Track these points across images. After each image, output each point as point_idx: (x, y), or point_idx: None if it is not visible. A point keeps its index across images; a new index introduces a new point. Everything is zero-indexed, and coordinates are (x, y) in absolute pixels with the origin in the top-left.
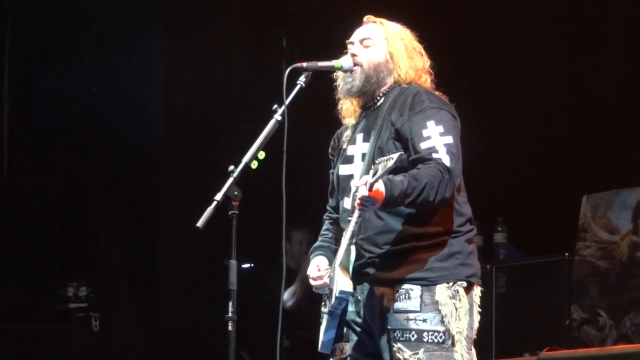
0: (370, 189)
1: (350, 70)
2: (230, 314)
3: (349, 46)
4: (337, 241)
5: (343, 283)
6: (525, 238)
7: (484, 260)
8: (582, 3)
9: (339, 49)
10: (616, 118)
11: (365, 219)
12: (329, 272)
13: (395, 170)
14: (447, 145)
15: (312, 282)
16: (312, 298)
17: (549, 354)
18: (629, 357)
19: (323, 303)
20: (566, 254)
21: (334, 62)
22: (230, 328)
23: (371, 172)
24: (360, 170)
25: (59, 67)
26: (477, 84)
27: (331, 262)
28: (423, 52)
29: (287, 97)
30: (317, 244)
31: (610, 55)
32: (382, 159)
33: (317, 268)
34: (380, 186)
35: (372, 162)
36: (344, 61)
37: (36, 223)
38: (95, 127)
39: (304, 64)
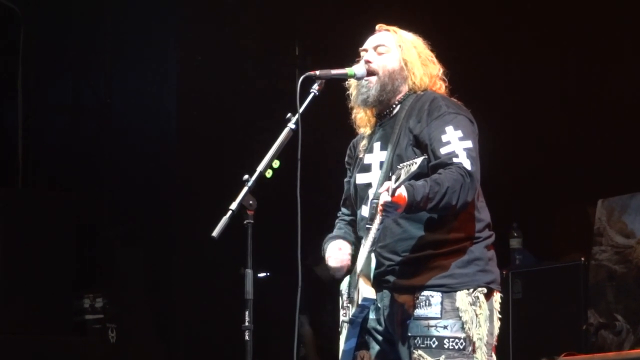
0: (393, 195)
1: (365, 79)
2: (246, 324)
3: (362, 53)
4: (352, 234)
5: (366, 290)
6: (540, 243)
7: (499, 266)
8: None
9: (352, 57)
10: (631, 122)
11: (385, 225)
12: (350, 258)
13: (416, 176)
14: (466, 149)
15: (330, 262)
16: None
17: (566, 359)
18: None
19: (343, 312)
20: (582, 259)
21: (347, 70)
22: (247, 337)
23: (393, 177)
24: (379, 179)
25: (72, 79)
26: (491, 90)
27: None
28: (435, 60)
29: (300, 106)
30: (331, 234)
31: (625, 60)
32: (405, 163)
33: (339, 248)
34: (402, 191)
35: (391, 169)
36: (357, 69)
37: (51, 234)
38: (109, 137)
39: (317, 72)
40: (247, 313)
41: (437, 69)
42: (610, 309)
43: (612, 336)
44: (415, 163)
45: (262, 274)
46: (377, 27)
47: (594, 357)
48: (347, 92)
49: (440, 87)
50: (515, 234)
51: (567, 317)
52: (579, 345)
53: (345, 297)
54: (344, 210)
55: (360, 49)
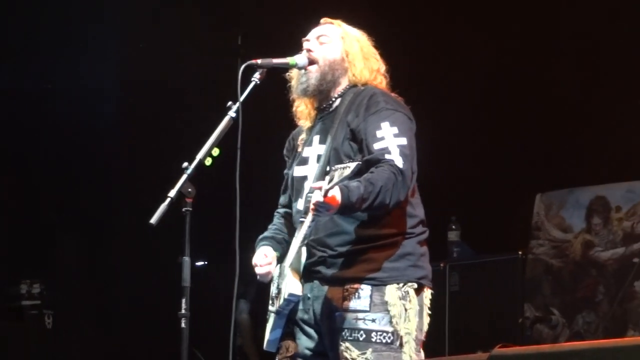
0: (325, 195)
1: (305, 69)
2: (183, 311)
3: (304, 43)
4: (284, 231)
5: (293, 285)
6: (478, 236)
7: (437, 259)
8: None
9: (295, 47)
10: (570, 118)
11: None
12: (274, 262)
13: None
14: (400, 146)
15: (257, 270)
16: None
17: (501, 350)
18: (580, 354)
19: (270, 302)
20: (520, 252)
21: (289, 59)
22: (183, 325)
23: (327, 178)
24: (315, 172)
25: (12, 63)
26: (429, 86)
27: (276, 250)
28: (378, 57)
29: (241, 94)
30: (263, 234)
31: (564, 58)
32: (339, 166)
33: (264, 255)
34: (336, 193)
35: (328, 163)
36: (299, 58)
37: None
38: (49, 123)
39: (259, 61)
40: (183, 300)
41: (378, 64)
42: (547, 302)
43: (548, 330)
44: (349, 167)
45: (199, 263)
46: (322, 20)
47: (528, 350)
48: (289, 84)
49: (381, 82)
50: (453, 227)
51: (503, 310)
52: (514, 338)
53: (274, 286)
54: (281, 201)
55: (303, 38)
